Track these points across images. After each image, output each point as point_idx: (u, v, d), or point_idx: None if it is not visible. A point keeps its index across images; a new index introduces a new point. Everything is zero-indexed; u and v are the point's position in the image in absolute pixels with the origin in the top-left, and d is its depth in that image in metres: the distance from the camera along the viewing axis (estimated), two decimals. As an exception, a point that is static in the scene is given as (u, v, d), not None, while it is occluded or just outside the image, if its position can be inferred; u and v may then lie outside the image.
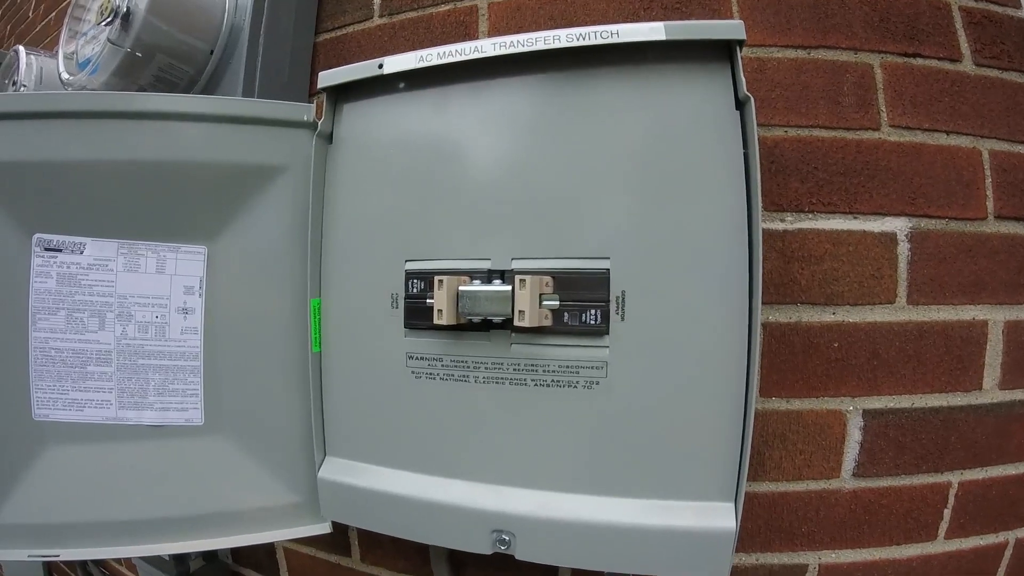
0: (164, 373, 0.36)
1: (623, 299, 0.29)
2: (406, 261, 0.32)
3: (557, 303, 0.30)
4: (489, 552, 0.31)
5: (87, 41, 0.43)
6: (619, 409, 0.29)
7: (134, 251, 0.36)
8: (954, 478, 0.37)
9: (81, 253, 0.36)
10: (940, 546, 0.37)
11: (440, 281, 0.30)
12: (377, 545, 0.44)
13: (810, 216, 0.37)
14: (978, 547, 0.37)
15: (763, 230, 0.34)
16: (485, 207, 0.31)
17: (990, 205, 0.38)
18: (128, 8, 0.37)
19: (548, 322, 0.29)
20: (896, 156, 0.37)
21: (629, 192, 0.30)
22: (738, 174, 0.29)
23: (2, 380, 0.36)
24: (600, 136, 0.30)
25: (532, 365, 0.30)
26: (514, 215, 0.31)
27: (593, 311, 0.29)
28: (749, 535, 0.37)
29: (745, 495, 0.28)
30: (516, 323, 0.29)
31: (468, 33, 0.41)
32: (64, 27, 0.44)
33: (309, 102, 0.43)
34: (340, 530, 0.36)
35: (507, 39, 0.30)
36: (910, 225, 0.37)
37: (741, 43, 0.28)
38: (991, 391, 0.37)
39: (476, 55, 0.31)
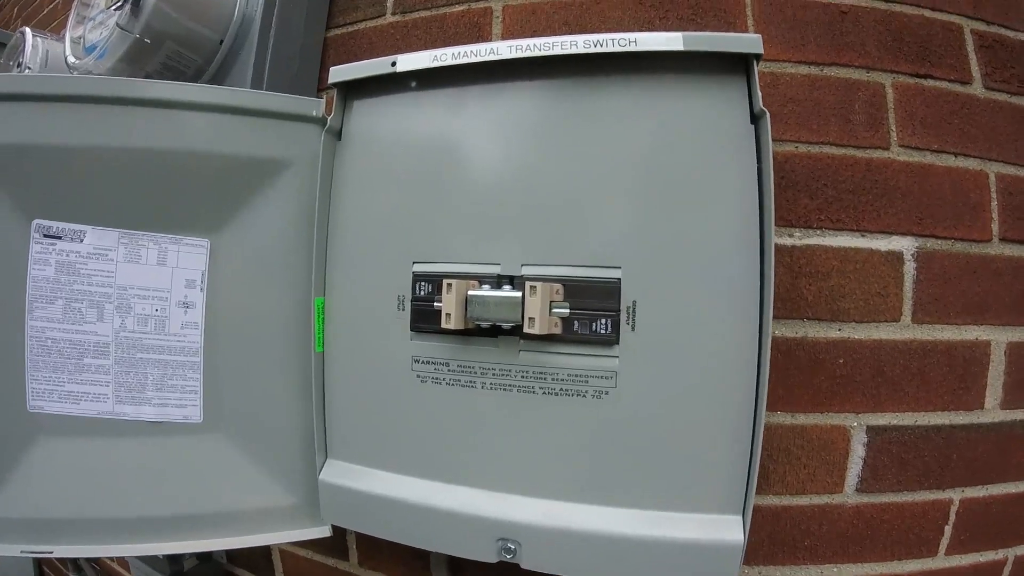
0: (163, 368, 0.35)
1: (634, 309, 0.29)
2: (414, 263, 0.32)
3: (567, 311, 0.29)
4: (495, 560, 0.30)
5: (95, 26, 0.42)
6: (628, 419, 0.29)
7: (135, 241, 0.35)
8: (955, 495, 0.37)
9: (81, 241, 0.35)
10: (941, 562, 0.37)
11: (449, 284, 0.29)
12: (376, 550, 0.44)
13: (818, 232, 0.37)
14: (978, 564, 0.38)
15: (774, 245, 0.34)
16: (495, 211, 0.31)
17: (995, 227, 0.38)
18: (139, -6, 0.36)
19: (558, 330, 0.29)
20: (905, 176, 0.38)
21: (641, 201, 0.30)
22: (751, 188, 0.29)
23: (-6, 370, 0.35)
24: (613, 144, 0.30)
25: (540, 373, 0.30)
26: (524, 220, 0.31)
27: (604, 320, 0.29)
28: (752, 548, 0.37)
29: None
30: (526, 330, 0.28)
31: (482, 35, 0.41)
32: (72, 11, 0.43)
33: (318, 97, 0.43)
34: (338, 533, 0.36)
35: (524, 42, 0.30)
36: (916, 245, 0.37)
37: (758, 57, 0.28)
38: (992, 410, 0.38)
39: (492, 57, 0.31)
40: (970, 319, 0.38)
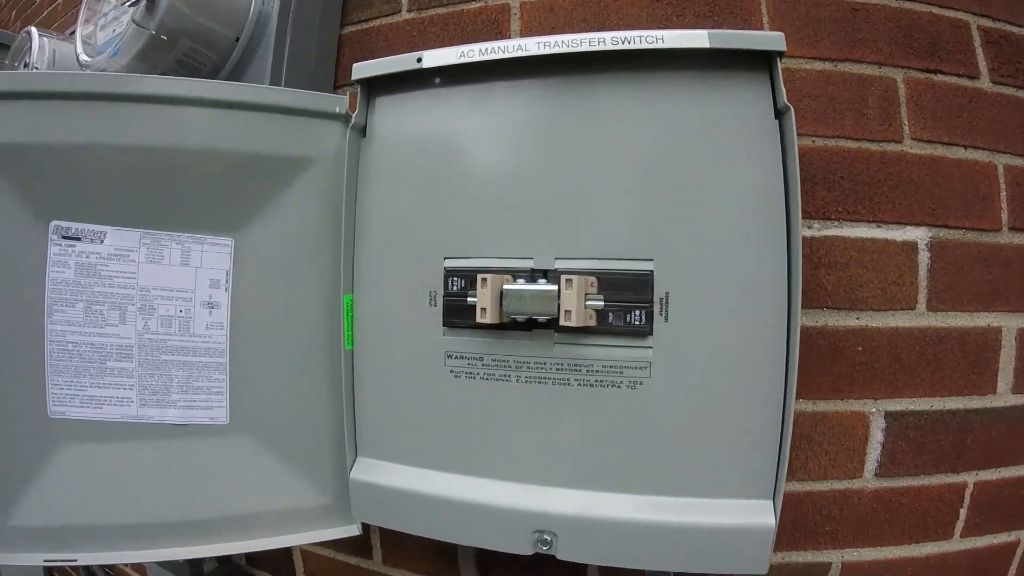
0: (188, 370, 0.35)
1: (667, 300, 0.30)
2: (445, 258, 0.32)
3: (602, 303, 0.30)
4: (530, 553, 0.30)
5: (106, 24, 0.41)
6: (662, 409, 0.29)
7: (157, 241, 0.35)
8: (969, 478, 0.39)
9: (101, 242, 0.35)
10: (956, 544, 0.38)
11: (484, 279, 0.29)
12: (400, 547, 0.44)
13: (836, 224, 0.38)
14: (992, 545, 0.39)
15: (793, 235, 0.34)
16: (526, 206, 0.31)
17: (1004, 217, 0.39)
18: (155, -9, 0.36)
19: (592, 322, 0.30)
20: (917, 168, 0.39)
21: (670, 195, 0.30)
22: (777, 181, 0.29)
23: (15, 375, 0.34)
24: (640, 139, 0.30)
25: (575, 365, 0.30)
26: (555, 215, 0.31)
27: (637, 312, 0.30)
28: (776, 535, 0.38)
29: (778, 494, 0.28)
30: (562, 323, 0.29)
31: (500, 32, 0.41)
32: (82, 9, 0.42)
33: (333, 94, 0.42)
34: (362, 532, 0.36)
35: (552, 39, 0.30)
36: (930, 235, 0.39)
37: (781, 54, 0.29)
38: (1004, 395, 0.39)
39: (520, 53, 0.31)
40: (981, 306, 0.39)
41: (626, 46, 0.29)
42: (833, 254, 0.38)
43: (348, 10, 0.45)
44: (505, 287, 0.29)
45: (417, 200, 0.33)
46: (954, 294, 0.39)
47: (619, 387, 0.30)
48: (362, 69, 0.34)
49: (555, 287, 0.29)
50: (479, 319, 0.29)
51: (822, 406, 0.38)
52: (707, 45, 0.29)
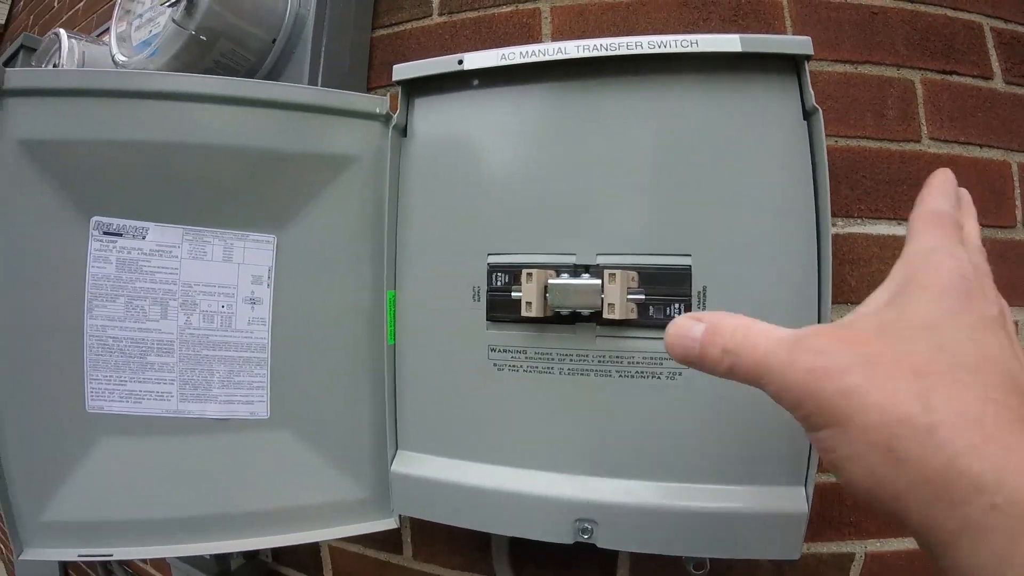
0: (229, 365, 0.35)
1: (704, 294, 0.30)
2: (488, 254, 0.33)
3: (643, 297, 0.31)
4: (571, 542, 0.31)
5: (141, 24, 0.42)
6: (700, 399, 0.30)
7: (200, 238, 0.35)
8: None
9: (143, 238, 0.35)
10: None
11: (529, 274, 0.30)
12: (431, 542, 0.44)
13: (859, 221, 0.40)
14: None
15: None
16: (566, 203, 0.32)
17: (1019, 214, 0.41)
18: (195, -9, 0.36)
19: (634, 315, 0.30)
20: (935, 167, 0.40)
21: (705, 192, 0.31)
22: (806, 180, 0.30)
23: (53, 370, 0.35)
24: (675, 139, 0.31)
25: (617, 357, 0.31)
26: (595, 212, 0.32)
27: (677, 305, 0.30)
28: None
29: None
30: (605, 315, 0.29)
31: (532, 35, 0.42)
32: (116, 9, 0.43)
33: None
34: (399, 524, 0.36)
35: (590, 42, 0.31)
36: (948, 231, 0.40)
37: (808, 57, 0.30)
38: (1021, 386, 0.40)
39: (560, 56, 0.32)
40: (998, 300, 0.40)
41: (662, 49, 0.31)
42: (856, 251, 0.39)
43: (379, 13, 0.45)
44: (550, 281, 0.30)
45: (458, 198, 0.34)
46: (972, 289, 0.40)
47: (659, 378, 0.31)
48: (403, 70, 0.34)
49: (599, 281, 0.30)
50: (524, 313, 0.30)
51: (847, 398, 0.39)
52: (739, 49, 0.30)
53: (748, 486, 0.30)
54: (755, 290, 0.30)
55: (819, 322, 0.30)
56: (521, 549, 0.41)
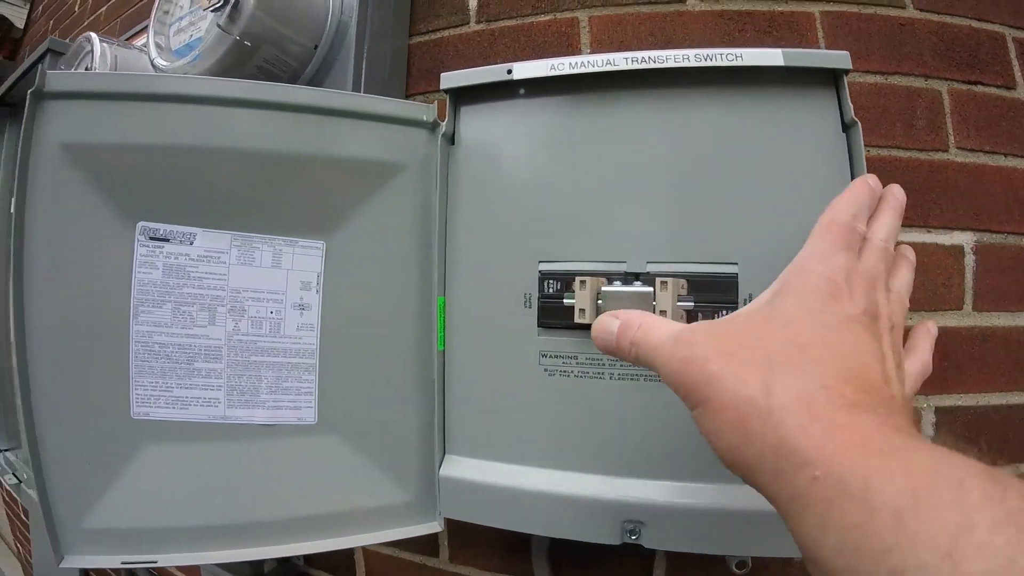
0: (278, 370, 0.36)
1: (750, 301, 0.31)
2: (539, 262, 0.33)
3: (692, 304, 0.31)
4: (619, 543, 0.32)
5: (180, 29, 0.42)
6: (748, 404, 0.31)
7: (248, 243, 0.35)
8: (1014, 471, 0.41)
9: (191, 244, 0.35)
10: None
11: (583, 282, 0.31)
12: (468, 545, 0.44)
13: (889, 227, 0.40)
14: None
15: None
16: (616, 212, 0.33)
17: (1042, 221, 0.42)
18: (240, -3, 0.36)
19: (684, 322, 0.31)
20: (962, 176, 0.41)
21: (749, 202, 0.32)
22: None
23: (98, 376, 0.35)
24: (719, 150, 0.32)
25: (667, 362, 0.32)
26: (644, 221, 0.32)
27: (724, 312, 0.31)
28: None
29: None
30: (657, 322, 0.30)
31: (571, 44, 0.43)
32: (152, 15, 0.42)
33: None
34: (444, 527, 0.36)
35: (639, 54, 0.32)
36: (975, 239, 0.41)
37: (847, 72, 0.31)
38: (1045, 390, 0.41)
39: (609, 68, 0.32)
40: (1023, 306, 0.41)
41: (708, 63, 0.31)
42: (888, 257, 0.40)
43: (415, 20, 0.46)
44: (603, 289, 0.31)
45: (507, 206, 0.34)
46: (998, 295, 0.41)
47: (709, 383, 0.31)
48: (451, 79, 0.35)
49: (651, 289, 0.30)
50: (577, 319, 0.31)
51: (879, 401, 0.40)
52: (781, 63, 0.31)
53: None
54: (799, 297, 0.31)
55: None
56: (559, 549, 0.42)
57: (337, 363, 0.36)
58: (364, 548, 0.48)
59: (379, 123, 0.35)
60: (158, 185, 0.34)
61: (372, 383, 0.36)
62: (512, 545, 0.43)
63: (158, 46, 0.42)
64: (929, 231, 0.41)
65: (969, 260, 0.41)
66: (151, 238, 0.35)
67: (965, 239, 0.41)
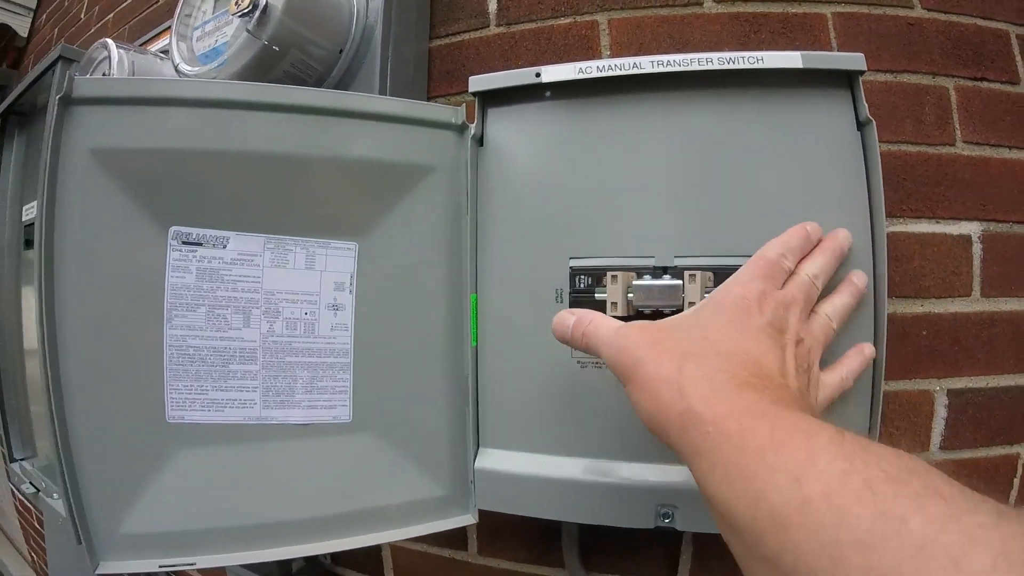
0: (313, 370, 0.36)
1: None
2: (570, 258, 0.34)
3: (720, 296, 0.32)
4: (653, 527, 0.33)
5: (203, 35, 0.42)
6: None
7: (282, 246, 0.36)
8: (1022, 450, 0.43)
9: (224, 247, 0.36)
10: (1014, 510, 0.42)
11: (614, 276, 0.32)
12: (496, 537, 0.45)
13: (901, 221, 0.42)
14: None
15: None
16: (642, 209, 0.34)
17: (1046, 211, 0.44)
18: (268, 1, 0.37)
19: (713, 313, 0.32)
20: (969, 169, 0.43)
21: (770, 198, 0.33)
22: (860, 186, 0.33)
23: (131, 381, 0.35)
24: (741, 149, 0.33)
25: (697, 353, 0.33)
26: (671, 218, 0.34)
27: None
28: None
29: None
30: (686, 314, 0.31)
31: (591, 47, 0.43)
32: (175, 21, 0.43)
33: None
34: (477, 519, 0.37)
35: (664, 58, 0.33)
36: (982, 228, 0.43)
37: (862, 73, 0.32)
38: (1051, 372, 0.43)
39: (635, 71, 0.33)
40: (1028, 292, 0.43)
41: (730, 66, 0.33)
42: (899, 249, 0.42)
43: (434, 24, 0.46)
44: (634, 283, 0.32)
45: (536, 205, 0.35)
46: (1005, 282, 0.43)
47: (737, 372, 0.32)
48: (479, 82, 0.36)
49: (680, 282, 0.32)
50: (609, 313, 0.32)
51: (893, 386, 0.41)
52: (800, 65, 0.32)
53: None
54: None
55: (875, 313, 0.32)
56: (588, 539, 0.43)
57: (371, 361, 0.37)
58: (392, 544, 0.49)
59: (409, 126, 0.36)
60: (189, 189, 0.35)
61: (405, 380, 0.37)
62: (539, 536, 0.44)
63: (181, 52, 0.42)
64: (938, 222, 0.42)
65: (976, 249, 0.42)
66: (184, 242, 0.35)
67: (972, 229, 0.42)
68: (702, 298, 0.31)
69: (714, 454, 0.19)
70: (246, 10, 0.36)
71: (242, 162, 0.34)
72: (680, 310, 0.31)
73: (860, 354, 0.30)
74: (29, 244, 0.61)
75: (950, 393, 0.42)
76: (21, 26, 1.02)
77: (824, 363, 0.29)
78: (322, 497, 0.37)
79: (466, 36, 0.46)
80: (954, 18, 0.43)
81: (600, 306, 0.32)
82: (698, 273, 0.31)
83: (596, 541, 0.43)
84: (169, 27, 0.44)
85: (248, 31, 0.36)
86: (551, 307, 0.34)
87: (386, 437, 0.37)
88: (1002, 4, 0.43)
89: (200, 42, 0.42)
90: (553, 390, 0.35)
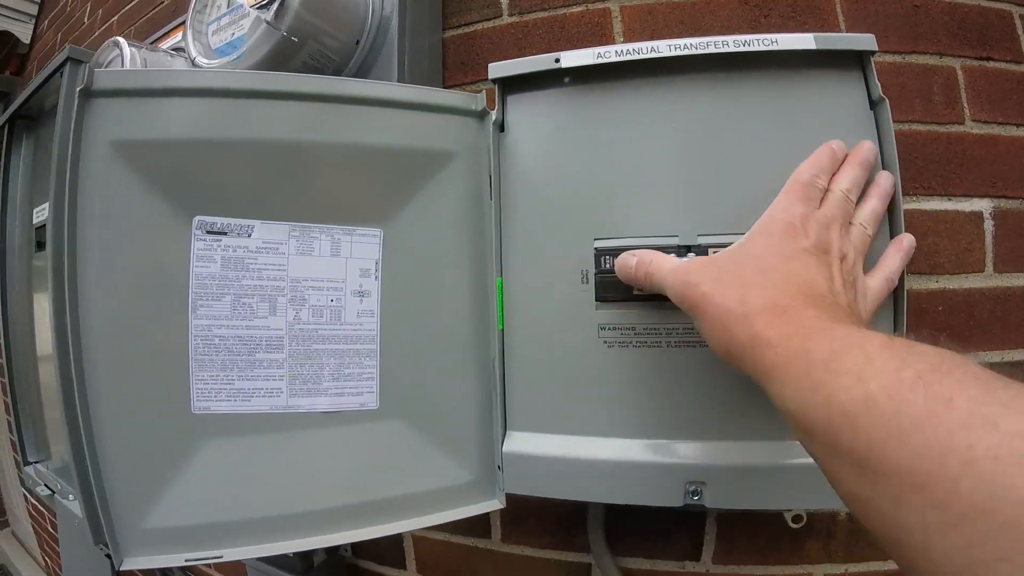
0: (339, 357, 0.36)
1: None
2: (595, 239, 0.34)
3: (744, 272, 0.33)
4: (681, 504, 0.33)
5: (219, 29, 0.42)
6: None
7: (307, 234, 0.36)
8: (1039, 421, 0.43)
9: (249, 236, 0.36)
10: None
11: (639, 255, 0.32)
12: (519, 523, 0.45)
13: (914, 199, 0.43)
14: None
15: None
16: (666, 190, 0.34)
17: (1054, 187, 0.44)
18: (285, -6, 0.37)
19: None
20: (979, 146, 0.43)
21: (788, 176, 0.33)
22: (876, 165, 0.33)
23: (155, 374, 0.35)
24: (758, 129, 0.34)
25: (723, 329, 0.33)
26: (693, 197, 0.34)
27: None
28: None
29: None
30: (712, 290, 0.32)
31: (604, 34, 0.44)
32: (189, 16, 0.43)
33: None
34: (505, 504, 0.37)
35: (681, 42, 0.34)
36: (993, 205, 0.43)
37: (873, 53, 0.33)
38: (1064, 345, 0.44)
39: (653, 55, 0.34)
40: (1040, 267, 0.44)
41: (745, 48, 0.33)
42: (914, 226, 0.42)
43: (447, 14, 0.47)
44: (660, 261, 0.32)
45: (559, 188, 0.35)
46: (1016, 257, 0.43)
47: (763, 347, 0.33)
48: (499, 68, 0.36)
49: (704, 259, 0.32)
50: (636, 292, 0.32)
51: (911, 363, 0.42)
52: (813, 47, 0.33)
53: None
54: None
55: (895, 291, 0.33)
56: (613, 522, 0.43)
57: (397, 347, 0.37)
58: (413, 534, 0.49)
59: (431, 113, 0.36)
60: (212, 180, 0.35)
61: (431, 365, 0.37)
62: (563, 521, 0.44)
63: (197, 45, 0.42)
64: (950, 199, 0.43)
65: (988, 225, 0.43)
66: (208, 232, 0.35)
67: (984, 206, 0.43)
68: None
69: (785, 371, 0.21)
70: (264, 2, 0.37)
71: (264, 151, 0.35)
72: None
73: (900, 250, 0.31)
74: (41, 246, 0.61)
75: (966, 368, 0.42)
76: (23, 33, 1.02)
77: (865, 267, 0.30)
78: (349, 486, 0.37)
79: (479, 26, 0.46)
80: None
81: (625, 286, 0.33)
82: (721, 250, 0.32)
83: (620, 525, 0.43)
84: (176, 26, 0.44)
85: (267, 22, 0.37)
86: (577, 288, 0.35)
87: (413, 423, 0.37)
88: (1006, -16, 0.44)
89: (215, 36, 0.42)
90: (580, 371, 0.35)
